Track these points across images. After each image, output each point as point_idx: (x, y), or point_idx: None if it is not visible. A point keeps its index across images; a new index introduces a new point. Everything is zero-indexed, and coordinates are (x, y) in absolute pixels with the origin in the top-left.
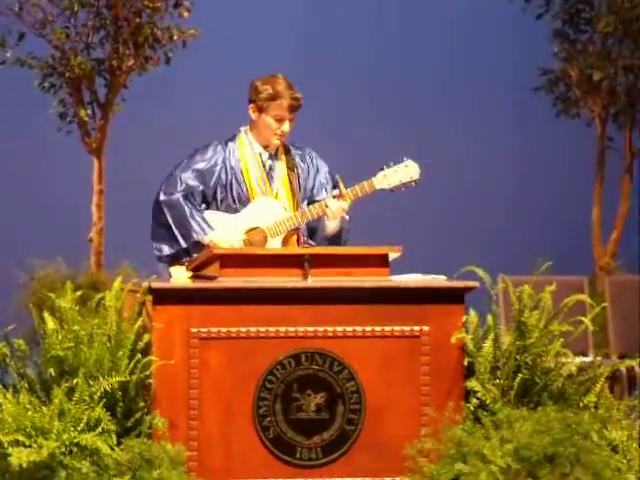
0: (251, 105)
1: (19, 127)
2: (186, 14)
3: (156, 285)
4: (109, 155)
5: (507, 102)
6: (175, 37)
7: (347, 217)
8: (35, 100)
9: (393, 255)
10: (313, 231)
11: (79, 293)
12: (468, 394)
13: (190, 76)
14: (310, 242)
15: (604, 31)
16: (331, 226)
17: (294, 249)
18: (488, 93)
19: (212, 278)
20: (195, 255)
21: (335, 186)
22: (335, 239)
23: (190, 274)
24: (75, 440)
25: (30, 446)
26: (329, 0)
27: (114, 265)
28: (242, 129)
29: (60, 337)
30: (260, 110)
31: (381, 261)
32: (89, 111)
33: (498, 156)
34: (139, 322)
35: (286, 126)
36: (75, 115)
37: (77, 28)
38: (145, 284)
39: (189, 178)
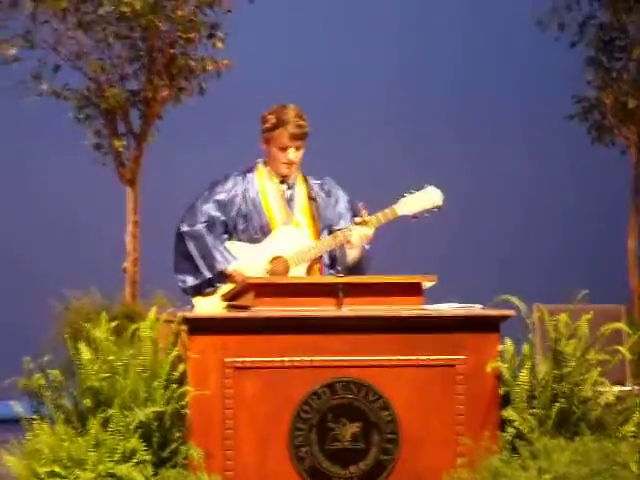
0: (261, 136)
1: (55, 159)
2: (220, 45)
3: (191, 315)
4: (144, 185)
5: (541, 130)
6: (209, 67)
7: (367, 246)
8: (70, 132)
9: (427, 284)
10: (333, 260)
11: (114, 323)
12: (504, 423)
13: (224, 106)
14: (336, 271)
15: (639, 58)
16: (352, 255)
17: (328, 278)
18: (522, 121)
19: (246, 308)
20: (219, 285)
21: (356, 215)
22: (356, 268)
23: (225, 304)
24: (111, 471)
25: (66, 477)
26: (355, 26)
27: (149, 295)
28: (259, 161)
29: (95, 368)
30: (267, 141)
31: (415, 290)
32: (124, 142)
33: (532, 185)
34: (174, 352)
35: (292, 154)
36: (110, 146)
37: (112, 60)
38: (180, 314)
39: (211, 209)
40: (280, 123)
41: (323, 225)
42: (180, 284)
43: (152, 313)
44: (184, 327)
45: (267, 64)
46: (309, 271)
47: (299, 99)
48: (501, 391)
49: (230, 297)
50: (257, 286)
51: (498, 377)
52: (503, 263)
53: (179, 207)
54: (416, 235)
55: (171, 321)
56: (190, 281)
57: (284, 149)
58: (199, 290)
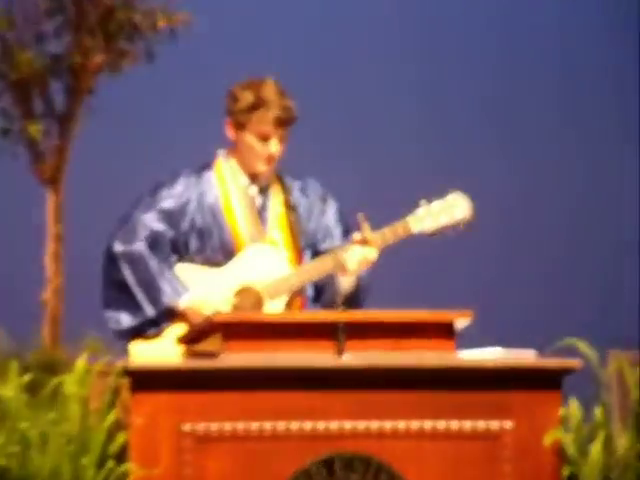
0: (228, 119)
1: None
2: None
3: (136, 365)
4: (70, 186)
5: (597, 137)
6: (160, 24)
7: (363, 272)
8: None
9: (461, 322)
10: (319, 292)
11: (28, 377)
12: None
13: (179, 77)
14: (334, 305)
15: None
16: (345, 284)
17: (324, 314)
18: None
19: (212, 355)
20: (165, 325)
21: (347, 230)
22: (350, 301)
23: (181, 350)
24: None
25: None
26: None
27: (76, 337)
28: (220, 153)
29: (1, 439)
30: (238, 126)
31: (445, 331)
32: (41, 126)
33: (599, 215)
34: (111, 416)
35: (274, 146)
36: (22, 131)
37: (24, 11)
38: (120, 364)
39: (153, 220)
40: (260, 103)
41: (305, 243)
42: (112, 325)
43: (81, 362)
44: (125, 382)
45: (239, 20)
46: (288, 306)
47: (281, 70)
48: (565, 472)
49: (189, 340)
50: (227, 325)
51: (560, 453)
52: (562, 296)
53: (120, 214)
54: (442, 259)
55: (108, 373)
56: (126, 321)
57: (265, 138)
58: (139, 333)
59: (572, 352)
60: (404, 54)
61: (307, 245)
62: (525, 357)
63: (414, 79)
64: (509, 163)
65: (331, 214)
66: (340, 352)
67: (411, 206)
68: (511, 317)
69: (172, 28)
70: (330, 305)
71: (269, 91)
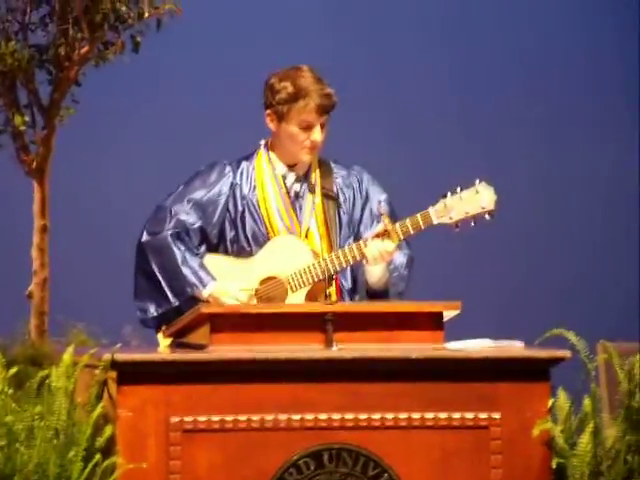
0: (267, 112)
1: None
2: None
3: (122, 358)
4: (55, 178)
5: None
6: (146, 15)
7: (402, 260)
8: None
9: (449, 314)
10: (354, 283)
11: (13, 370)
12: None
13: (167, 68)
14: (325, 297)
15: None
16: (374, 275)
17: (312, 306)
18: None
19: (200, 347)
20: None
21: (396, 219)
22: (380, 294)
23: (168, 341)
24: None
25: None
26: None
27: (63, 330)
28: (262, 143)
29: None
30: (280, 117)
31: (433, 322)
32: (27, 117)
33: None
34: (98, 410)
35: (317, 134)
36: (7, 123)
37: (8, 2)
38: (107, 356)
39: (183, 211)
40: (300, 92)
41: (347, 234)
42: (139, 314)
43: (67, 355)
44: (112, 374)
45: (230, 11)
46: (314, 297)
47: (276, 60)
48: (553, 464)
49: (177, 331)
50: (214, 317)
51: (549, 444)
52: (553, 286)
53: (105, 208)
54: (430, 250)
55: (94, 366)
56: (152, 310)
57: (308, 127)
58: (165, 322)
59: (560, 344)
60: (442, 40)
61: (349, 236)
62: (513, 348)
63: (452, 68)
64: (535, 158)
65: (375, 203)
66: (329, 344)
67: (439, 195)
68: (499, 309)
69: (158, 18)
70: (363, 297)
71: (307, 80)
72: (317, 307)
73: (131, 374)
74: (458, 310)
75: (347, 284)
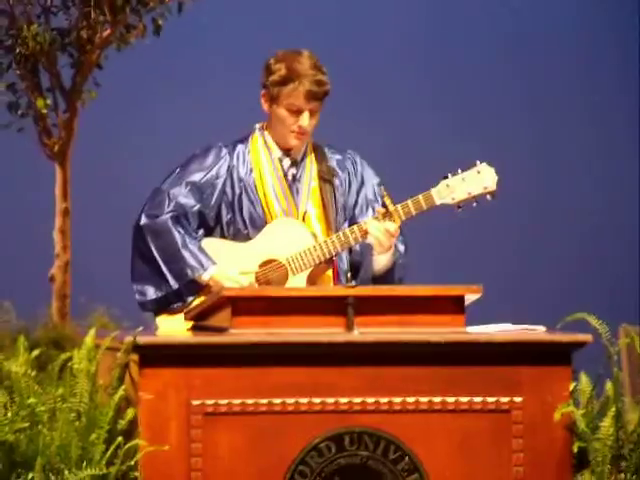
0: (262, 92)
1: None
2: None
3: (144, 340)
4: (77, 161)
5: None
6: None
7: (402, 247)
8: None
9: (471, 297)
10: (355, 268)
11: (36, 352)
12: None
13: (187, 52)
14: (345, 280)
15: None
16: (381, 261)
17: (333, 289)
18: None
19: (221, 330)
20: (190, 299)
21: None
22: (384, 279)
23: (190, 324)
24: None
25: None
26: None
27: (84, 313)
28: (257, 126)
29: (10, 415)
30: (272, 99)
31: (455, 306)
32: (49, 101)
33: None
34: (120, 392)
35: (305, 119)
36: (30, 106)
37: None
38: (128, 339)
39: (181, 194)
40: (293, 75)
41: (342, 217)
42: (138, 297)
43: (89, 338)
44: (134, 357)
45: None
46: (315, 280)
47: (294, 44)
48: (575, 448)
49: (198, 315)
50: (236, 300)
51: (570, 428)
52: (573, 270)
53: (127, 191)
54: (451, 235)
55: (116, 349)
56: (151, 293)
57: (296, 112)
58: (164, 305)
59: (582, 328)
60: (419, 26)
61: (345, 219)
62: (534, 333)
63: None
64: (533, 139)
65: (370, 187)
66: (350, 327)
67: (438, 178)
68: (521, 293)
69: (180, 1)
70: (364, 282)
71: (303, 64)
72: (338, 290)
73: (153, 357)
74: (479, 294)
75: (344, 266)
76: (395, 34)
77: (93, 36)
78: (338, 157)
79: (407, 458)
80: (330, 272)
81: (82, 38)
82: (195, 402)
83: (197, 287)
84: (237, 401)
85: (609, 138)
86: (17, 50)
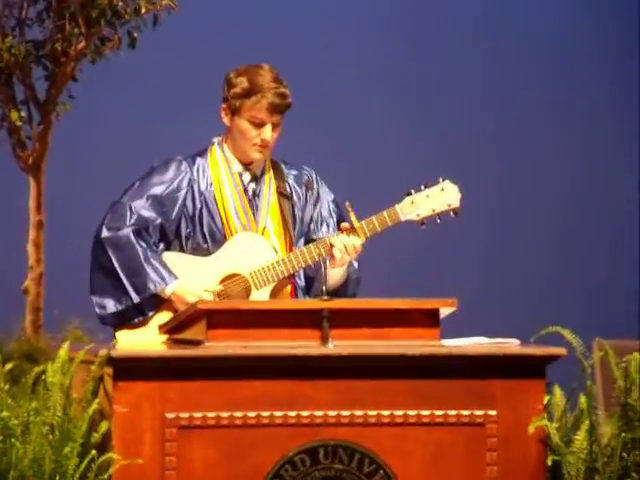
0: (223, 105)
1: None
2: None
3: (118, 353)
4: (51, 174)
5: (588, 122)
6: (143, 10)
7: (356, 264)
8: None
9: (445, 311)
10: (308, 281)
11: (9, 366)
12: None
13: (162, 65)
14: (319, 293)
15: None
16: (334, 276)
17: (309, 302)
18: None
19: (196, 343)
20: (151, 314)
21: (342, 219)
22: (337, 293)
23: (163, 338)
24: None
25: None
26: None
27: (58, 326)
28: (215, 140)
29: None
30: (233, 112)
31: (430, 319)
32: (24, 113)
33: (579, 187)
34: (94, 405)
35: (267, 132)
36: (4, 118)
37: None
38: (103, 352)
39: (142, 207)
40: (255, 88)
41: (299, 233)
42: (97, 310)
43: (63, 351)
44: (108, 370)
45: (226, 7)
46: (275, 295)
47: (272, 61)
48: (549, 461)
49: (172, 328)
50: (211, 313)
51: (544, 441)
52: (547, 283)
53: (102, 204)
54: (424, 249)
55: (90, 362)
56: (111, 306)
57: (259, 125)
58: (124, 319)
59: (556, 342)
60: (386, 45)
61: (301, 234)
62: (508, 346)
63: (398, 72)
64: (498, 151)
65: (326, 204)
66: (325, 340)
67: (400, 194)
68: (495, 307)
69: (155, 14)
70: (318, 296)
71: (264, 77)
72: (313, 304)
73: (127, 370)
74: (454, 307)
75: (301, 282)
76: (356, 48)
77: (68, 48)
78: (295, 172)
79: (382, 471)
80: (289, 288)
81: (57, 50)
82: (169, 415)
83: (158, 301)
84: (212, 414)
85: (588, 147)
86: None
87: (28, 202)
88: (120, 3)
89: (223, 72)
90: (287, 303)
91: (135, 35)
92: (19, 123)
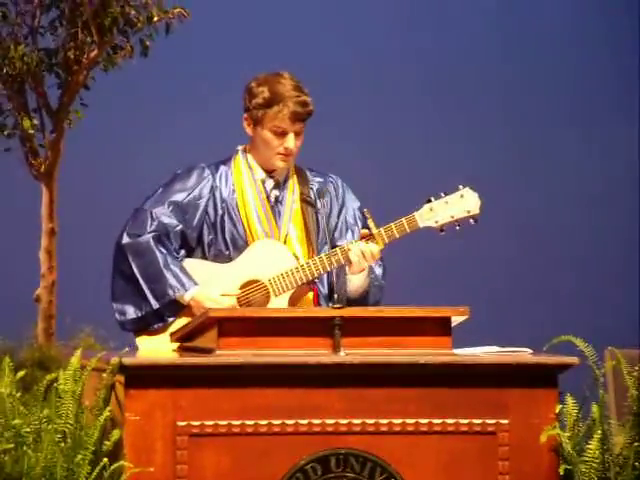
0: (245, 115)
1: None
2: None
3: (130, 361)
4: (63, 182)
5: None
6: (155, 18)
7: (380, 270)
8: None
9: (458, 319)
10: (331, 289)
11: (21, 374)
12: None
13: (174, 73)
14: (332, 302)
15: None
16: (355, 282)
17: (320, 310)
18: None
19: (208, 351)
20: (171, 320)
21: (364, 225)
22: (359, 301)
23: (171, 344)
24: None
25: None
26: None
27: (70, 334)
28: (239, 148)
29: None
30: (255, 122)
31: (441, 328)
32: (36, 121)
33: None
34: (106, 413)
35: (290, 141)
36: (17, 127)
37: (18, 6)
38: (114, 360)
39: (163, 214)
40: (277, 98)
41: (323, 240)
42: (118, 316)
43: (75, 359)
44: (120, 378)
45: (237, 16)
46: (296, 302)
47: (288, 67)
48: (561, 470)
49: (184, 336)
50: (222, 321)
51: (556, 450)
52: (559, 293)
53: (113, 212)
54: (435, 256)
55: (102, 370)
56: (131, 312)
57: (281, 134)
58: (144, 326)
59: (568, 351)
60: (415, 48)
61: (325, 242)
62: (521, 355)
63: (424, 74)
64: (516, 161)
65: (351, 211)
66: (336, 349)
67: (421, 201)
68: (507, 316)
69: (167, 22)
70: (336, 301)
71: (285, 86)
72: (325, 312)
73: (139, 378)
74: (466, 315)
75: (324, 290)
76: (373, 51)
77: (80, 57)
78: (320, 180)
79: None
80: (311, 295)
81: (69, 59)
82: (181, 423)
83: (178, 307)
84: (223, 422)
85: (605, 155)
86: (4, 70)
87: (40, 210)
88: (132, 11)
89: (236, 79)
90: (298, 311)
91: (147, 43)
92: (31, 131)
